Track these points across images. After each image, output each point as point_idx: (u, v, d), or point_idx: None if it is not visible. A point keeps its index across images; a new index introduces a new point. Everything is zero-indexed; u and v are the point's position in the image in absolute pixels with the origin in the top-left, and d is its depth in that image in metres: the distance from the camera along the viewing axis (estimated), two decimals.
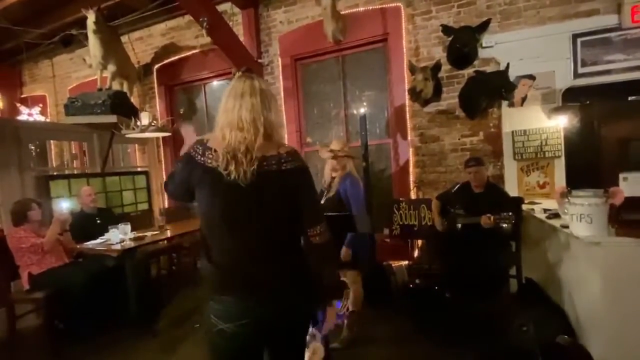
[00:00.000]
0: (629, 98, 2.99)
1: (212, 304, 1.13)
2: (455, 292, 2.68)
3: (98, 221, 3.45)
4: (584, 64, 3.17)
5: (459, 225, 2.75)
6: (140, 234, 3.37)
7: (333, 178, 2.61)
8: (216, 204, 1.11)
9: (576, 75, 3.20)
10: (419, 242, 3.78)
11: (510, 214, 2.42)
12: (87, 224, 3.39)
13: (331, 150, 2.58)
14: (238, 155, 1.08)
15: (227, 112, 1.15)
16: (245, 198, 1.09)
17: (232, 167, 1.07)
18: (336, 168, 2.56)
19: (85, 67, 5.06)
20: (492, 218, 2.46)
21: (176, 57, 5.00)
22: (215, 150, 1.11)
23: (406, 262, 3.73)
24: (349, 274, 2.52)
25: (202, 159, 1.11)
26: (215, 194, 1.11)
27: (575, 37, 3.17)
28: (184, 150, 1.31)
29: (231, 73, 4.03)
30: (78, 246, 3.15)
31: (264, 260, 1.13)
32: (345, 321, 2.49)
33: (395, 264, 3.69)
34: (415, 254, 3.79)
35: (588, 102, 3.14)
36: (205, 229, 1.15)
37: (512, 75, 3.25)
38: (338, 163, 2.56)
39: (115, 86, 4.55)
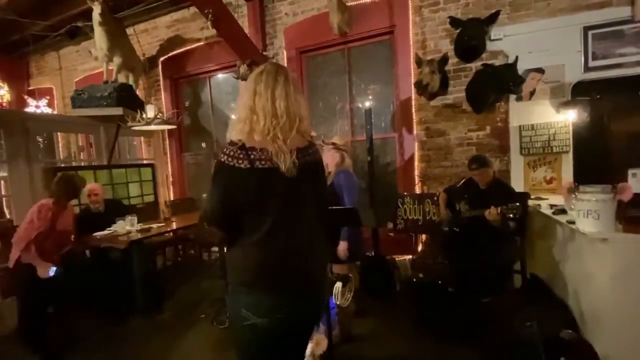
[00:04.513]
0: None
1: (244, 297, 1.08)
2: (459, 287, 2.68)
3: (105, 219, 3.38)
4: (594, 58, 3.11)
5: (458, 229, 2.73)
6: (146, 226, 3.41)
7: (328, 173, 2.61)
8: (267, 200, 1.06)
9: (586, 69, 3.14)
10: (423, 236, 3.77)
11: (517, 204, 2.36)
12: (93, 223, 3.33)
13: (322, 142, 2.62)
14: (280, 144, 1.05)
15: (260, 97, 1.08)
16: (293, 192, 1.08)
17: (281, 159, 1.04)
18: (328, 161, 2.56)
19: (91, 59, 5.07)
20: (498, 209, 2.39)
21: (181, 50, 5.00)
22: (260, 150, 1.05)
23: (410, 257, 3.74)
24: (346, 267, 2.52)
25: (246, 163, 1.04)
26: (266, 191, 1.06)
27: (586, 29, 3.10)
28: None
29: (236, 65, 4.03)
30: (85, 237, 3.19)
31: (308, 257, 1.13)
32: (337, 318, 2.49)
33: (398, 258, 3.70)
34: (419, 248, 3.79)
35: (598, 96, 3.08)
36: (250, 224, 1.08)
37: (521, 68, 3.19)
38: (331, 155, 2.56)
39: (121, 79, 4.56)
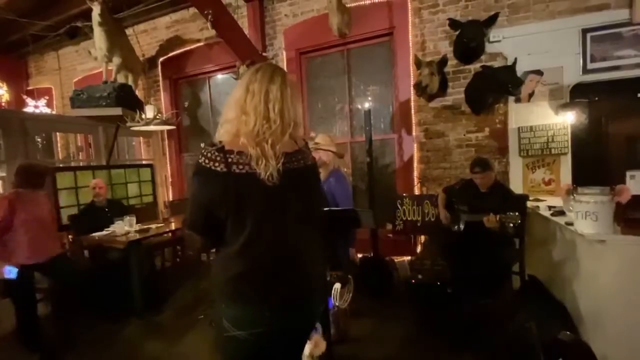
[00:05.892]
0: (639, 95, 2.95)
1: (225, 308, 1.04)
2: (458, 288, 2.68)
3: (108, 214, 3.48)
4: (593, 60, 3.12)
5: (462, 227, 2.73)
6: (145, 226, 3.41)
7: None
8: (245, 208, 0.99)
9: (585, 71, 3.15)
10: (422, 238, 3.78)
11: (517, 213, 2.39)
12: (97, 216, 3.43)
13: (316, 143, 2.57)
14: (266, 149, 0.98)
15: (252, 97, 1.01)
16: (275, 200, 1.01)
17: (261, 165, 0.97)
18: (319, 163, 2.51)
19: (90, 59, 5.06)
20: (497, 217, 2.42)
21: (181, 50, 5.00)
22: (238, 153, 0.99)
23: (409, 258, 3.74)
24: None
25: (223, 167, 0.98)
26: (243, 198, 0.99)
27: (585, 32, 3.11)
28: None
29: (235, 66, 4.03)
30: (83, 238, 3.19)
31: (291, 268, 1.06)
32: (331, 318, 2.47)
33: (397, 259, 3.70)
34: (418, 249, 3.79)
35: (596, 98, 3.10)
36: (229, 233, 1.02)
37: (520, 70, 3.22)
38: (315, 155, 2.51)
39: (121, 79, 4.56)
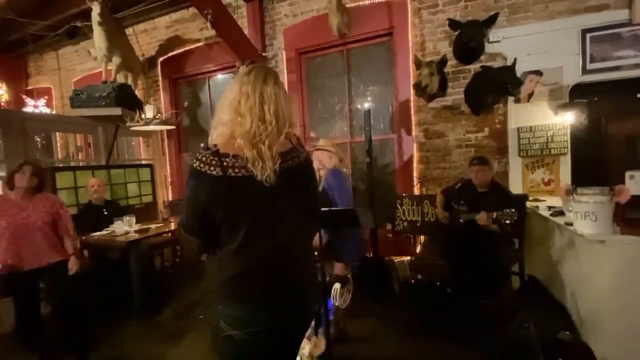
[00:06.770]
0: (638, 95, 2.95)
1: (222, 308, 1.04)
2: (458, 288, 2.68)
3: (105, 213, 3.50)
4: (592, 60, 3.12)
5: (462, 221, 2.74)
6: (145, 226, 3.41)
7: (319, 177, 2.58)
8: (241, 210, 1.00)
9: (585, 71, 3.15)
10: (422, 237, 3.78)
11: (513, 210, 2.40)
12: (95, 216, 3.46)
13: (314, 146, 2.59)
14: (262, 150, 0.98)
15: (247, 99, 1.02)
16: (271, 201, 1.01)
17: (257, 167, 0.97)
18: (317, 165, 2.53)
19: (90, 59, 5.07)
20: (494, 214, 2.45)
21: (180, 50, 5.00)
22: (233, 156, 0.99)
23: (408, 258, 3.74)
24: (342, 267, 2.50)
25: (219, 171, 0.98)
26: (240, 201, 1.00)
27: (584, 32, 3.12)
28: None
29: (235, 66, 4.02)
30: (84, 237, 3.19)
31: (288, 268, 1.06)
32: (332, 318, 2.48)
33: (397, 259, 3.70)
34: (418, 249, 3.79)
35: (596, 99, 3.10)
36: (225, 234, 1.02)
37: (519, 70, 3.22)
38: (316, 158, 2.53)
39: (120, 79, 4.55)
